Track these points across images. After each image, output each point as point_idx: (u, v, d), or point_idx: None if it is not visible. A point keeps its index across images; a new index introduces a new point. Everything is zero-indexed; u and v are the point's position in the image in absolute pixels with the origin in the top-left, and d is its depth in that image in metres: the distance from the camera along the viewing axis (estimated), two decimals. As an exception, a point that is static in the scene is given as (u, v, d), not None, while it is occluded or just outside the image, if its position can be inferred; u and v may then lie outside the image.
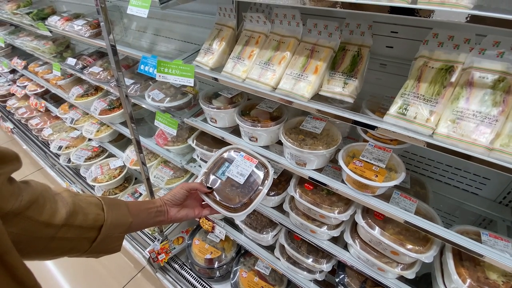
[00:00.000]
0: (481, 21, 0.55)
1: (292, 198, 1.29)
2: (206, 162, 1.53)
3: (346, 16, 1.05)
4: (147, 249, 1.75)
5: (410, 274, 1.00)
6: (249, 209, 0.97)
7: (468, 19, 0.55)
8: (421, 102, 0.78)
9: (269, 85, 1.01)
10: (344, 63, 0.97)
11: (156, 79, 1.24)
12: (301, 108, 0.95)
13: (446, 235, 0.86)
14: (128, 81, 1.78)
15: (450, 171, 1.34)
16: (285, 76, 1.00)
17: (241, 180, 1.04)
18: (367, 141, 1.09)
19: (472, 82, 0.73)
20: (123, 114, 2.08)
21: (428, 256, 0.91)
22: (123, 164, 2.29)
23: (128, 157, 2.10)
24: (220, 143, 1.43)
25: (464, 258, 0.91)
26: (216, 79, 1.14)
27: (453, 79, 0.76)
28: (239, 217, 0.98)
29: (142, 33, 2.02)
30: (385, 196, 1.03)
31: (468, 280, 0.84)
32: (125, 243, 2.06)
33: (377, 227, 1.01)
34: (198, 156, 1.56)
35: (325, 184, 1.06)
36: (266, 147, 1.27)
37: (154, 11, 1.85)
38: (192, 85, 1.21)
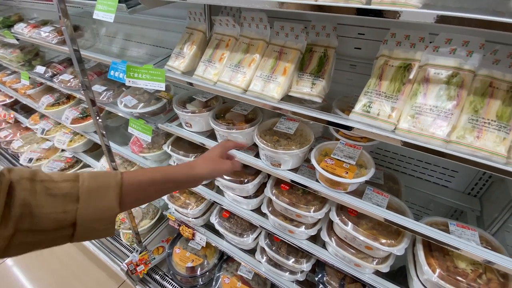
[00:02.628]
0: (447, 21, 0.55)
1: (270, 200, 1.29)
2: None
3: (311, 18, 1.07)
4: (125, 261, 1.69)
5: (385, 267, 1.02)
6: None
7: (437, 19, 0.56)
8: (383, 99, 0.81)
9: (240, 87, 1.02)
10: (311, 64, 0.99)
11: (126, 84, 1.21)
12: (271, 109, 0.96)
13: (415, 227, 0.89)
14: (100, 88, 1.73)
15: (421, 165, 1.39)
16: (255, 78, 1.01)
17: None
18: (339, 140, 1.11)
19: (428, 78, 0.76)
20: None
21: (399, 249, 0.94)
22: (99, 174, 2.21)
23: (103, 166, 2.03)
24: (197, 147, 1.41)
25: (433, 248, 0.94)
26: (189, 83, 1.13)
27: (411, 76, 0.79)
28: None
29: (114, 38, 1.98)
30: (358, 193, 1.06)
31: (438, 270, 0.87)
32: (102, 256, 1.97)
33: (350, 223, 1.02)
34: (174, 162, 1.53)
35: (299, 184, 1.07)
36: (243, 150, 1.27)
37: (126, 17, 1.82)
38: (164, 89, 1.20)
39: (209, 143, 1.28)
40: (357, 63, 1.22)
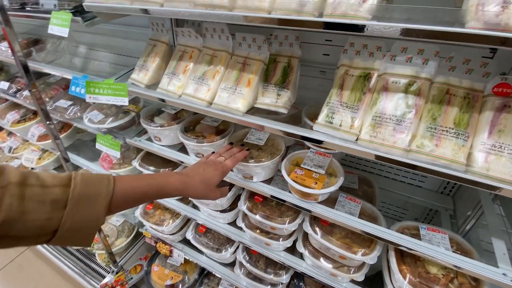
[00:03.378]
0: (411, 34, 0.56)
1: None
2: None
3: (273, 28, 1.06)
4: (100, 283, 1.61)
5: (360, 276, 1.01)
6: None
7: (402, 32, 0.56)
8: (344, 109, 0.80)
9: (204, 100, 0.98)
10: (276, 75, 0.97)
11: (87, 100, 1.15)
12: (236, 122, 0.93)
13: (386, 235, 0.88)
14: (66, 103, 1.65)
15: (395, 167, 1.40)
16: (220, 90, 0.98)
17: None
18: (310, 148, 1.10)
19: (387, 87, 0.76)
20: (66, 137, 1.92)
21: (372, 257, 0.93)
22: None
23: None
24: (168, 162, 1.37)
25: (405, 255, 0.93)
26: (158, 98, 1.08)
27: (371, 85, 0.79)
28: None
29: (81, 49, 1.90)
30: (332, 200, 1.04)
31: (409, 277, 0.86)
32: (77, 277, 1.87)
33: (323, 233, 1.01)
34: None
35: (273, 196, 1.05)
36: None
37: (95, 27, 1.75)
38: (127, 104, 1.14)
39: (179, 157, 1.23)
40: (326, 69, 1.22)
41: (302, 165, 1.02)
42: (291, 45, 0.97)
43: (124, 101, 1.13)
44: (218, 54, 1.02)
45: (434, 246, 0.86)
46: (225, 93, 0.96)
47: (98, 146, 1.45)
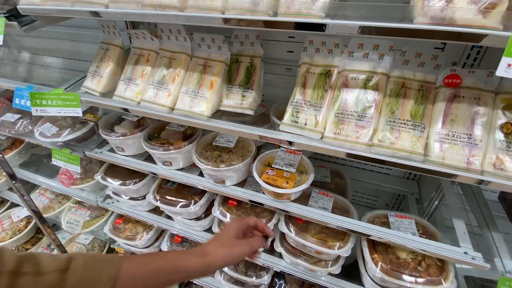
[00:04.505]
0: (367, 32, 0.56)
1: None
2: (122, 196, 1.36)
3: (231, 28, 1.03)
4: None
5: (336, 269, 1.03)
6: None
7: (360, 30, 0.56)
8: (308, 108, 0.80)
9: (166, 106, 0.93)
10: (239, 76, 0.94)
11: (33, 114, 1.04)
12: (201, 127, 0.89)
13: (357, 228, 0.90)
14: (13, 117, 1.48)
15: (363, 158, 1.45)
16: (181, 94, 0.93)
17: None
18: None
19: (347, 83, 0.77)
20: (18, 154, 1.74)
21: (346, 250, 0.95)
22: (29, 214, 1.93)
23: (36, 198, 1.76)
24: (135, 172, 1.29)
25: (377, 243, 0.97)
26: (125, 110, 1.00)
27: (332, 82, 0.79)
28: None
29: (24, 56, 1.72)
30: (305, 195, 1.05)
31: (380, 265, 0.89)
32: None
33: (297, 231, 1.01)
34: (111, 192, 1.38)
35: (249, 199, 1.03)
36: (188, 168, 1.19)
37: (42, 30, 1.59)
38: (81, 115, 1.05)
39: (147, 167, 1.16)
40: (292, 66, 1.22)
41: (273, 165, 1.02)
42: (253, 44, 0.95)
43: (77, 112, 1.03)
44: (177, 57, 0.97)
45: (402, 232, 0.90)
46: (187, 97, 0.92)
47: (54, 161, 1.33)
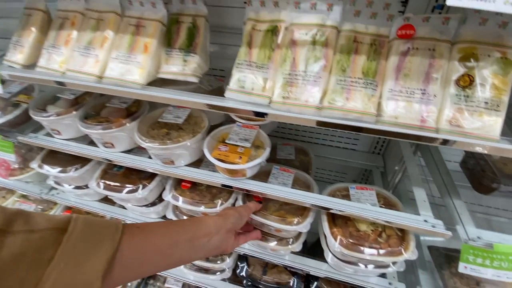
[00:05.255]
0: None
1: (177, 201, 1.13)
2: (66, 185, 1.22)
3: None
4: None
5: (297, 246, 0.98)
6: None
7: None
8: (254, 70, 0.70)
9: (93, 74, 0.80)
10: (180, 38, 0.82)
11: None
12: (136, 98, 0.77)
13: (314, 201, 0.84)
14: None
15: (329, 133, 1.40)
16: (111, 60, 0.80)
17: None
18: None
19: (295, 40, 0.68)
20: None
21: (305, 225, 0.89)
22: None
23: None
24: (78, 158, 1.14)
25: (336, 217, 0.92)
26: (60, 84, 0.84)
27: (279, 40, 0.70)
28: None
29: None
30: (266, 173, 0.98)
31: (339, 238, 0.85)
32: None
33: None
34: (53, 181, 1.23)
35: (202, 180, 0.93)
36: (136, 150, 1.06)
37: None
38: (1, 92, 0.89)
39: (91, 152, 1.02)
40: (248, 35, 1.11)
41: (226, 141, 0.92)
42: (195, 1, 0.83)
43: (-9, 88, 0.87)
44: (105, 17, 0.83)
45: (361, 203, 0.86)
46: (118, 63, 0.79)
47: (-20, 150, 1.15)
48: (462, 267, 0.75)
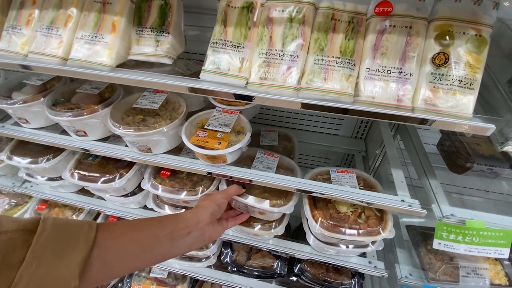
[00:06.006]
0: None
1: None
2: (39, 177, 1.16)
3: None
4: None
5: (280, 230, 0.98)
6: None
7: None
8: (230, 49, 0.67)
9: (57, 56, 0.74)
10: (151, 17, 0.77)
11: None
12: (104, 80, 0.73)
13: (294, 184, 0.84)
14: None
15: (313, 119, 1.40)
16: (76, 41, 0.74)
17: None
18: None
19: (272, 18, 0.65)
20: None
21: (289, 207, 0.90)
22: None
23: None
24: (49, 148, 1.08)
25: (317, 199, 0.93)
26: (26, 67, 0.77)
27: (255, 17, 0.67)
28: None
29: None
30: (250, 158, 0.97)
31: (320, 221, 0.86)
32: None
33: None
34: (24, 173, 1.16)
35: (182, 167, 0.91)
36: (113, 139, 1.02)
37: None
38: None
39: (64, 141, 0.97)
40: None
41: (206, 126, 0.90)
42: (165, -23, 0.77)
43: None
44: (68, -7, 0.76)
45: (341, 186, 0.86)
46: (84, 43, 0.73)
47: None
48: (437, 244, 0.78)
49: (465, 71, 0.58)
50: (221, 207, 0.77)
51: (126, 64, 0.78)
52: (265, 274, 1.19)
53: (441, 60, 0.59)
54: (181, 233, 0.63)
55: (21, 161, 1.06)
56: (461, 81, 0.58)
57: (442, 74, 0.59)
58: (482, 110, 0.65)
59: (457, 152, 0.95)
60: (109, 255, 0.48)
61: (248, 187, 0.96)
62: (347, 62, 0.62)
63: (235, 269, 1.19)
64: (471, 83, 0.58)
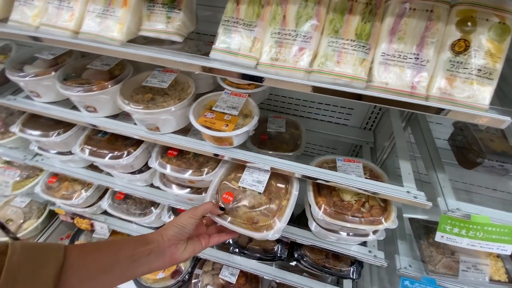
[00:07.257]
0: None
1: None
2: (49, 151, 1.19)
3: None
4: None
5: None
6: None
7: None
8: (241, 28, 0.66)
9: (68, 29, 0.74)
10: (163, -8, 0.76)
11: None
12: (114, 55, 0.72)
13: (302, 171, 0.84)
14: None
15: (322, 108, 1.37)
16: (88, 14, 0.74)
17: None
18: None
19: (286, -4, 0.63)
20: None
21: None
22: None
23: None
24: (61, 123, 1.10)
25: (322, 187, 0.93)
26: (36, 39, 0.77)
27: (269, -5, 0.64)
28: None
29: None
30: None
31: (323, 207, 0.86)
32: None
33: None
34: (36, 147, 1.19)
35: (189, 147, 0.91)
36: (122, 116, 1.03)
37: None
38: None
39: (74, 116, 0.98)
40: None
41: (214, 108, 0.90)
42: (179, -50, 0.75)
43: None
44: (80, -35, 0.75)
45: (347, 174, 0.86)
46: (95, 17, 0.73)
47: (-45, 111, 1.09)
48: (439, 236, 0.78)
49: (485, 60, 0.55)
50: (187, 227, 0.72)
51: (136, 41, 0.78)
52: (266, 257, 1.22)
53: (461, 47, 0.56)
54: (142, 254, 0.62)
55: (33, 133, 1.08)
56: (480, 70, 0.55)
57: (461, 62, 0.56)
58: (498, 102, 0.62)
59: (468, 147, 0.93)
60: (78, 276, 0.50)
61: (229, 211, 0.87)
62: (362, 46, 0.60)
63: (236, 250, 1.22)
64: (490, 73, 0.55)
